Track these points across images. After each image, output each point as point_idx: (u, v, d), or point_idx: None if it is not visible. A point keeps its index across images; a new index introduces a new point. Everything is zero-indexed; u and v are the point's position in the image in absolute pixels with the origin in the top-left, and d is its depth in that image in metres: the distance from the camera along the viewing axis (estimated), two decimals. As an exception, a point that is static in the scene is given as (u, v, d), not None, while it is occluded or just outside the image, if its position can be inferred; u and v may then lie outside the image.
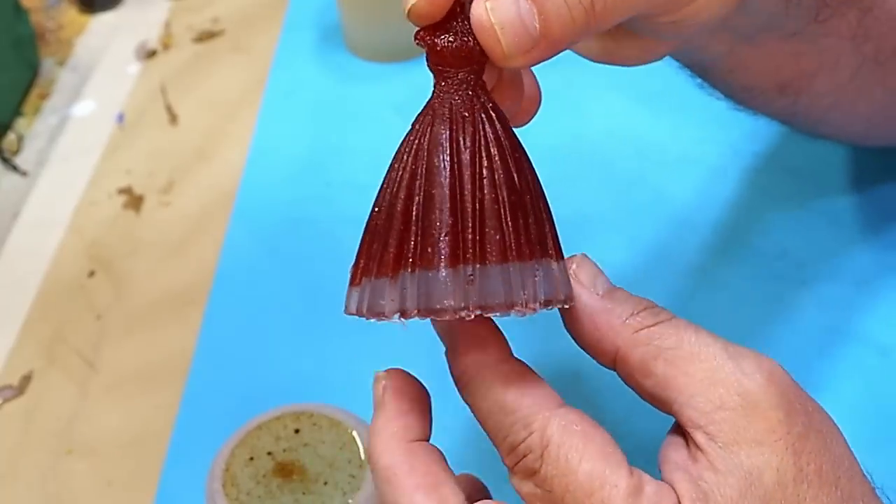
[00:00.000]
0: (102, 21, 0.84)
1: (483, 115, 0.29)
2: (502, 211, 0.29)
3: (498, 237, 0.29)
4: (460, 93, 0.30)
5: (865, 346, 0.52)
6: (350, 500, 0.42)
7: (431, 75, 0.31)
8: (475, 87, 0.30)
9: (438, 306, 0.29)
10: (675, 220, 0.59)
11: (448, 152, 0.29)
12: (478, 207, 0.29)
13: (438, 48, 0.30)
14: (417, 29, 0.30)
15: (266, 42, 0.78)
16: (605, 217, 0.60)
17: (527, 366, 0.32)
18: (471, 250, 0.29)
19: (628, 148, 0.64)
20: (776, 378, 0.31)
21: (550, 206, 0.31)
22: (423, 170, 0.29)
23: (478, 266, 0.29)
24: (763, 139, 0.63)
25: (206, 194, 0.67)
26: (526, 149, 0.30)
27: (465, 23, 0.29)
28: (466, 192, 0.29)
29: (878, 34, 0.45)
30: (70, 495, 0.51)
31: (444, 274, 0.29)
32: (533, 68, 0.34)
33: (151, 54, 0.80)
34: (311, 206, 0.64)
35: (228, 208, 0.65)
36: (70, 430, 0.54)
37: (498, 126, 0.30)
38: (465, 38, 0.29)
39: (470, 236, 0.29)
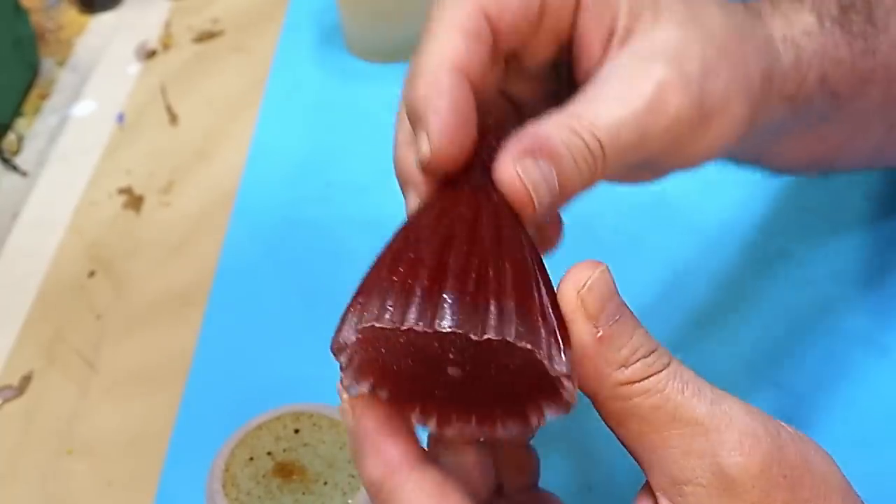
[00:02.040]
0: (102, 21, 0.84)
1: (489, 209, 0.31)
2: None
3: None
4: (467, 191, 0.31)
5: (866, 347, 0.52)
6: (350, 500, 0.42)
7: None
8: (480, 194, 0.31)
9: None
10: (675, 220, 0.59)
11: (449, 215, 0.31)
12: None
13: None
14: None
15: (266, 42, 0.78)
16: (605, 217, 0.60)
17: (438, 477, 0.30)
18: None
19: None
20: (759, 453, 0.29)
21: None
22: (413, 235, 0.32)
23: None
24: (763, 139, 0.63)
25: (206, 194, 0.67)
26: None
27: (480, 175, 0.31)
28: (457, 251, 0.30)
29: None
30: (70, 495, 0.51)
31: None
32: None
33: (151, 54, 0.80)
34: (311, 206, 0.64)
35: (228, 208, 0.65)
36: (70, 430, 0.54)
37: (508, 220, 0.30)
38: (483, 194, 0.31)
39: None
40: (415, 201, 0.33)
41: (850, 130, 0.44)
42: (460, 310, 0.27)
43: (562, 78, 0.38)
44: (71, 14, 0.85)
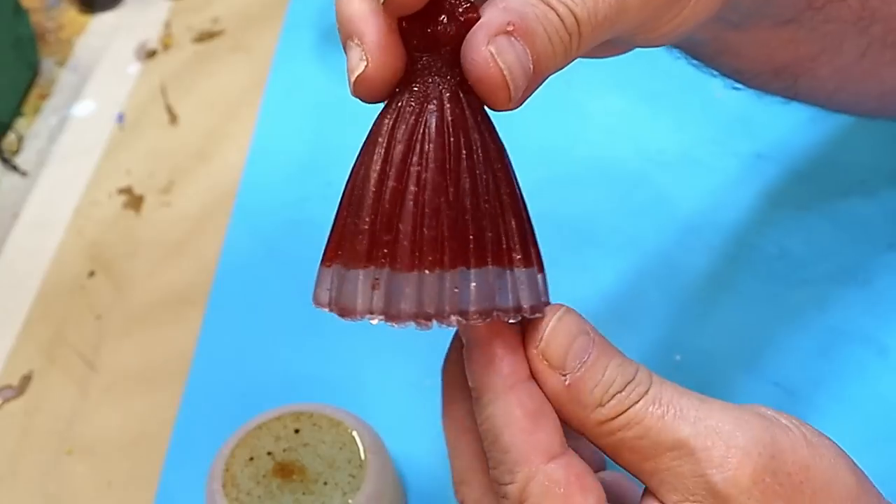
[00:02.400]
0: (102, 21, 0.84)
1: (435, 107, 0.28)
2: (418, 215, 0.27)
3: (406, 242, 0.27)
4: (420, 81, 0.28)
5: (865, 346, 0.52)
6: (350, 500, 0.42)
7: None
8: (442, 74, 0.28)
9: (345, 306, 0.28)
10: (675, 220, 0.59)
11: (382, 149, 0.28)
12: (395, 210, 0.27)
13: (411, 29, 0.28)
14: (401, 21, 0.28)
15: (266, 42, 0.78)
16: (605, 217, 0.60)
17: (540, 395, 0.30)
18: (382, 254, 0.28)
19: (628, 148, 0.64)
20: (749, 466, 0.28)
21: (522, 209, 0.29)
22: (362, 161, 0.28)
23: (387, 271, 0.27)
24: (763, 139, 0.63)
25: (206, 194, 0.67)
26: (500, 145, 0.29)
27: (443, 10, 0.28)
28: (387, 193, 0.28)
29: (887, 15, 0.42)
30: (70, 495, 0.51)
31: (356, 274, 0.28)
32: None
33: (151, 54, 0.80)
34: (312, 206, 0.64)
35: (228, 208, 0.65)
36: (70, 430, 0.54)
37: (448, 119, 0.28)
38: (445, 24, 0.28)
39: (385, 239, 0.28)
40: (359, 59, 0.29)
41: (819, 43, 0.42)
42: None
43: None
44: (71, 14, 0.85)
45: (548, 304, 0.30)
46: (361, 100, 0.30)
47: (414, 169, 0.27)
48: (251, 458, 0.44)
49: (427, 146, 0.27)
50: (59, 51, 0.81)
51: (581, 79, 0.67)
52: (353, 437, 0.44)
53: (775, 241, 0.57)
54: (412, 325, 0.27)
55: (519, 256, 0.28)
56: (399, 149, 0.28)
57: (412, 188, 0.27)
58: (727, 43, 0.41)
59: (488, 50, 0.27)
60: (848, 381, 0.50)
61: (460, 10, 0.28)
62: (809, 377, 0.51)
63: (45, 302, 0.61)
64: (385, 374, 0.53)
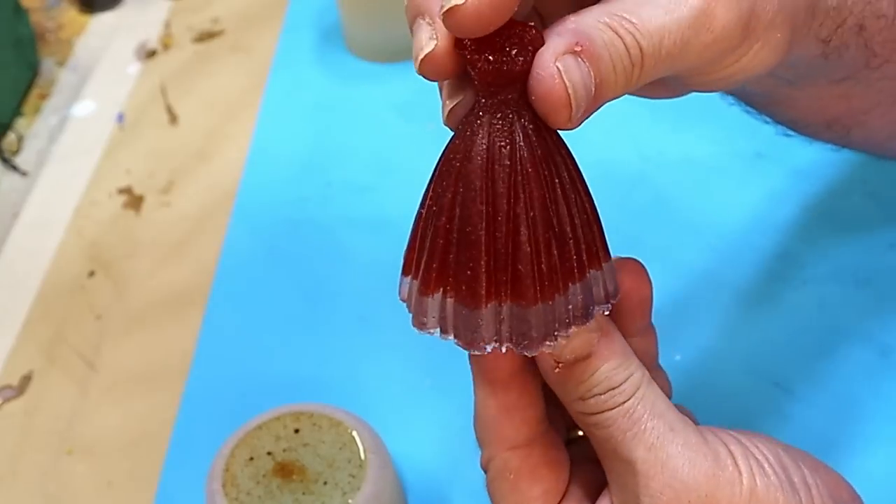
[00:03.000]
0: (102, 21, 0.84)
1: (523, 143, 0.28)
2: (534, 253, 0.29)
3: (529, 281, 0.29)
4: (499, 115, 0.28)
5: (865, 346, 0.52)
6: (350, 500, 0.42)
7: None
8: (521, 108, 0.28)
9: (471, 340, 0.30)
10: (675, 220, 0.59)
11: (483, 192, 0.29)
12: (511, 252, 0.29)
13: (481, 67, 0.28)
14: (460, 39, 0.28)
15: (266, 42, 0.78)
16: (605, 218, 0.60)
17: (530, 386, 0.33)
18: (504, 291, 0.29)
19: (628, 148, 0.64)
20: (686, 497, 0.30)
21: (597, 211, 0.31)
22: (461, 202, 0.29)
23: (510, 305, 0.29)
24: (764, 139, 0.63)
25: (206, 194, 0.67)
26: (573, 159, 0.30)
27: (512, 41, 0.28)
28: (500, 236, 0.29)
29: None
30: (70, 495, 0.51)
31: (480, 313, 0.29)
32: None
33: (151, 54, 0.80)
34: (311, 207, 0.64)
35: (228, 208, 0.65)
36: (70, 430, 0.54)
37: (538, 153, 0.29)
38: (512, 60, 0.28)
39: (503, 279, 0.29)
40: (428, 38, 0.29)
41: (874, 98, 0.43)
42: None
43: None
44: (71, 14, 0.85)
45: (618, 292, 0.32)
46: (426, 78, 0.30)
47: (521, 211, 0.29)
48: (251, 458, 0.44)
49: (528, 187, 0.29)
50: (59, 51, 0.81)
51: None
52: (353, 437, 0.44)
53: (775, 241, 0.57)
54: (541, 349, 0.30)
55: (604, 256, 0.31)
56: (503, 193, 0.29)
57: (524, 231, 0.29)
58: (780, 96, 0.41)
59: (556, 66, 0.27)
60: (848, 381, 0.50)
61: (528, 38, 0.28)
62: (809, 377, 0.51)
63: (45, 302, 0.61)
64: (385, 374, 0.53)
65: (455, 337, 0.30)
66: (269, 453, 0.44)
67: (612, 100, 0.30)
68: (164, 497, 0.50)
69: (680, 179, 0.62)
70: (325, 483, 0.43)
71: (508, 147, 0.28)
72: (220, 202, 0.65)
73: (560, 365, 0.31)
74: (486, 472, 0.34)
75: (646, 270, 0.35)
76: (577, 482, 0.35)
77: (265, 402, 0.47)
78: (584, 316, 0.30)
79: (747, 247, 0.57)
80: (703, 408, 0.49)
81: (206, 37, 0.81)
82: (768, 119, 0.44)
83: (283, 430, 0.45)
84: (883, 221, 0.57)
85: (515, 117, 0.28)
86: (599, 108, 0.30)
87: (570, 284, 0.29)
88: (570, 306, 0.29)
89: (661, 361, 0.46)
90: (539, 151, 0.29)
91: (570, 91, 0.27)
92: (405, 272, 0.31)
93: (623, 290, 0.33)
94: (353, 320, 0.57)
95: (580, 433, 0.37)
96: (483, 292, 0.29)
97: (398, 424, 0.49)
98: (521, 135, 0.28)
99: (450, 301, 0.30)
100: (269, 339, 0.56)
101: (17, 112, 0.75)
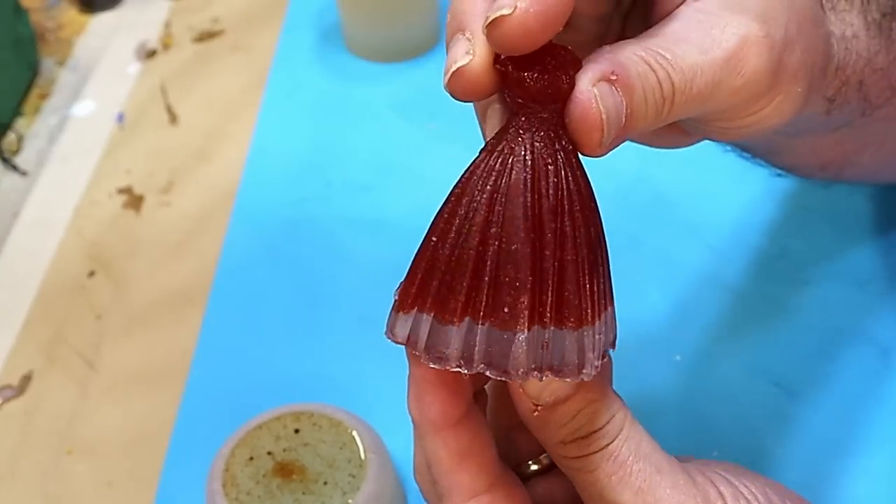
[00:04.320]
0: (102, 21, 0.84)
1: (564, 163, 0.28)
2: (581, 273, 0.28)
3: (577, 302, 0.28)
4: (542, 134, 0.28)
5: (865, 346, 0.52)
6: (350, 500, 0.42)
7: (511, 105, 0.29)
8: (557, 128, 0.28)
9: (509, 367, 0.28)
10: (675, 220, 0.59)
11: (530, 204, 0.27)
12: (557, 268, 0.28)
13: (527, 83, 0.27)
14: (500, 55, 0.28)
15: (266, 42, 0.78)
16: (605, 218, 0.60)
17: (478, 429, 0.32)
18: (549, 314, 0.28)
19: (628, 148, 0.64)
20: None
21: (606, 253, 0.30)
22: (501, 217, 0.27)
23: (553, 330, 0.28)
24: (763, 139, 0.63)
25: (206, 194, 0.67)
26: (592, 193, 0.29)
27: (553, 59, 0.27)
28: (547, 252, 0.27)
29: None
30: (70, 495, 0.51)
31: (519, 336, 0.28)
32: None
33: (151, 54, 0.80)
34: (311, 206, 0.64)
35: (228, 208, 0.65)
36: (70, 430, 0.54)
37: (579, 175, 0.28)
38: (557, 78, 0.27)
39: (549, 299, 0.27)
40: (464, 52, 0.28)
41: (866, 139, 0.44)
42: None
43: (612, 29, 0.36)
44: (71, 14, 0.85)
45: (609, 350, 0.30)
46: (453, 95, 0.29)
47: (569, 230, 0.28)
48: (251, 458, 0.44)
49: (573, 206, 0.28)
50: (59, 50, 0.81)
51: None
52: (353, 437, 0.44)
53: (775, 241, 0.57)
54: (574, 378, 0.28)
55: (610, 298, 0.29)
56: (547, 209, 0.28)
57: (570, 248, 0.28)
58: (779, 146, 0.42)
59: (592, 91, 0.27)
60: (848, 381, 0.50)
61: (567, 59, 0.28)
62: (809, 377, 0.51)
63: (45, 302, 0.61)
64: (385, 374, 0.53)
65: (488, 366, 0.28)
66: (269, 453, 0.44)
67: (639, 131, 0.30)
68: (164, 497, 0.50)
69: (680, 179, 0.62)
70: (326, 483, 0.43)
71: (553, 165, 0.28)
72: (220, 202, 0.65)
73: (539, 408, 0.29)
74: None
75: None
76: None
77: (265, 402, 0.47)
78: (604, 351, 0.29)
79: (747, 247, 0.57)
80: (702, 408, 0.49)
81: (206, 37, 0.81)
82: (763, 164, 0.45)
83: (283, 429, 0.45)
84: (883, 221, 0.57)
85: (555, 136, 0.28)
86: (626, 139, 0.30)
87: (601, 313, 0.28)
88: (599, 336, 0.28)
89: (661, 361, 0.46)
90: (579, 171, 0.28)
91: (603, 117, 0.27)
92: (405, 307, 0.29)
93: None
94: (353, 320, 0.57)
95: (534, 467, 0.36)
96: (526, 312, 0.27)
97: (398, 424, 0.49)
98: (562, 153, 0.28)
99: (481, 326, 0.28)
100: (269, 339, 0.56)
101: (17, 112, 0.75)
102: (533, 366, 0.27)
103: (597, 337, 0.28)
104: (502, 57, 0.27)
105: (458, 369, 0.28)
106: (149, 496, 0.50)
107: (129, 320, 0.59)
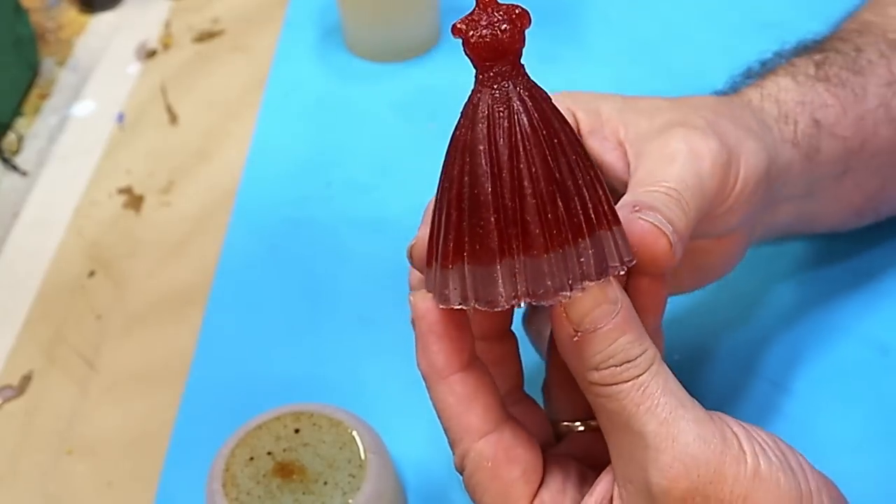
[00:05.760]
0: (102, 21, 0.84)
1: (520, 107, 0.31)
2: (540, 205, 0.31)
3: (538, 231, 0.31)
4: (496, 87, 0.31)
5: (865, 346, 0.52)
6: (350, 500, 0.42)
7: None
8: (512, 78, 0.31)
9: (491, 298, 0.31)
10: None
11: (487, 154, 0.31)
12: (518, 204, 0.31)
13: (473, 41, 0.31)
14: (454, 26, 0.31)
15: (266, 42, 0.78)
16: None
17: (482, 376, 0.35)
18: (515, 246, 0.31)
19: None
20: (684, 482, 0.31)
21: (602, 177, 0.33)
22: (469, 169, 0.31)
23: (523, 259, 0.31)
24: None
25: (206, 194, 0.67)
26: (570, 127, 0.32)
27: (498, 15, 0.31)
28: (506, 192, 0.31)
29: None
30: (70, 495, 0.51)
31: (495, 269, 0.31)
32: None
33: (151, 54, 0.80)
34: (312, 206, 0.64)
35: (228, 208, 0.65)
36: (70, 430, 0.54)
37: (535, 116, 0.31)
38: (499, 31, 0.30)
39: (514, 232, 0.31)
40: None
41: (882, 176, 0.48)
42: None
43: None
44: (71, 14, 0.85)
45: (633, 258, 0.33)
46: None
47: (524, 167, 0.31)
48: (251, 458, 0.44)
49: (528, 144, 0.31)
50: (59, 51, 0.81)
51: (582, 79, 0.67)
52: (353, 437, 0.44)
53: (776, 241, 0.57)
54: (557, 299, 0.31)
55: (613, 220, 0.32)
56: (504, 152, 0.31)
57: (527, 184, 0.31)
58: (807, 215, 0.48)
59: (640, 219, 0.34)
60: (848, 381, 0.50)
61: (514, 14, 0.31)
62: (809, 377, 0.51)
63: (45, 302, 0.61)
64: (385, 374, 0.53)
65: (475, 300, 0.31)
66: (269, 453, 0.44)
67: (685, 232, 0.36)
68: (164, 497, 0.50)
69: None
70: (326, 483, 0.43)
71: (506, 110, 0.31)
72: (221, 202, 0.65)
73: (578, 334, 0.32)
74: (462, 471, 0.35)
75: (664, 283, 0.37)
76: (555, 471, 0.36)
77: (265, 402, 0.47)
78: (600, 272, 0.31)
79: (747, 246, 0.57)
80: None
81: (206, 37, 0.81)
82: (808, 236, 0.52)
83: (283, 429, 0.45)
84: (883, 221, 0.57)
85: (511, 85, 0.31)
86: (684, 241, 0.36)
87: (579, 239, 0.31)
88: (583, 259, 0.31)
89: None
90: (536, 114, 0.31)
91: (659, 226, 0.34)
92: (428, 265, 0.33)
93: (640, 289, 0.36)
94: (353, 320, 0.57)
95: (577, 426, 0.39)
96: (496, 248, 0.31)
97: (398, 424, 0.49)
98: (518, 100, 0.31)
99: (468, 267, 0.31)
100: (269, 339, 0.56)
101: (17, 112, 0.75)
102: (513, 294, 0.31)
103: (575, 261, 0.31)
104: (457, 22, 0.31)
105: (460, 307, 0.32)
106: (149, 496, 0.50)
107: (129, 320, 0.59)
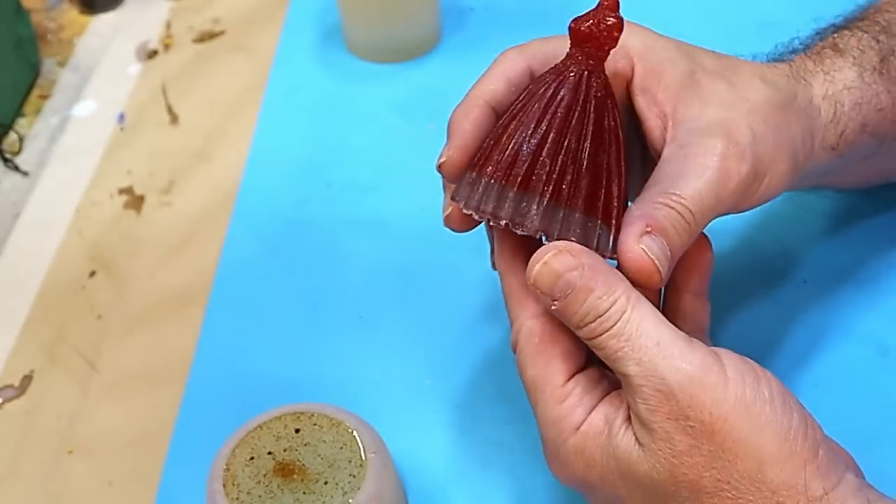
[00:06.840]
0: (103, 21, 0.84)
1: (584, 91, 0.38)
2: (549, 164, 0.38)
3: (543, 177, 0.38)
4: (574, 69, 0.39)
5: (865, 346, 0.52)
6: (350, 500, 0.42)
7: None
8: (589, 68, 0.38)
9: (524, 221, 0.39)
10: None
11: (538, 111, 0.39)
12: (528, 153, 0.38)
13: (577, 28, 0.38)
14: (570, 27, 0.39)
15: (266, 42, 0.78)
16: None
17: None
18: (536, 185, 0.38)
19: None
20: (667, 404, 0.35)
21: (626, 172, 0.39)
22: (522, 105, 0.39)
23: (545, 200, 0.38)
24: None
25: (207, 194, 0.67)
26: (621, 141, 0.39)
27: (607, 19, 0.38)
28: (534, 141, 0.38)
29: None
30: (70, 495, 0.51)
31: (511, 192, 0.39)
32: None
33: (152, 54, 0.80)
34: (312, 207, 0.64)
35: (228, 208, 0.65)
36: (70, 430, 0.54)
37: (591, 104, 0.38)
38: (595, 27, 0.38)
39: (540, 172, 0.38)
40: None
41: None
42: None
43: None
44: (72, 14, 0.85)
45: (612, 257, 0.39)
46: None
47: (556, 135, 0.38)
48: (252, 458, 0.44)
49: (569, 122, 0.38)
50: (59, 51, 0.81)
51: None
52: (354, 437, 0.44)
53: (775, 240, 0.57)
54: (539, 235, 0.39)
55: (603, 216, 0.39)
56: (553, 115, 0.39)
57: (568, 142, 0.38)
58: (834, 182, 0.52)
59: (639, 248, 0.38)
60: (848, 381, 0.50)
61: (608, 21, 0.38)
62: (809, 377, 0.51)
63: (46, 302, 0.61)
64: (385, 374, 0.53)
65: (487, 214, 0.39)
66: (269, 453, 0.44)
67: (680, 252, 0.39)
68: (164, 497, 0.50)
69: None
70: (326, 483, 0.43)
71: (573, 84, 0.38)
72: (221, 202, 0.65)
73: (555, 301, 0.37)
74: (515, 348, 0.40)
75: (709, 241, 0.43)
76: (596, 368, 0.40)
77: (265, 402, 0.47)
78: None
79: (747, 246, 0.57)
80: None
81: (206, 37, 0.81)
82: (807, 238, 0.56)
83: (283, 429, 0.45)
84: (883, 221, 0.57)
85: (587, 76, 0.38)
86: (675, 261, 0.39)
87: (581, 213, 0.38)
88: (576, 229, 0.38)
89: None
90: (593, 103, 0.38)
91: (656, 263, 0.38)
92: (470, 169, 0.40)
93: (689, 250, 0.40)
94: (353, 320, 0.57)
95: None
96: (540, 187, 0.38)
97: (398, 424, 0.49)
98: (584, 86, 0.38)
99: (511, 190, 0.38)
100: (269, 339, 0.56)
101: (18, 112, 0.75)
102: (498, 214, 0.39)
103: (569, 226, 0.39)
104: (572, 21, 0.39)
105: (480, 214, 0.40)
106: (149, 496, 0.50)
107: (129, 320, 0.59)
